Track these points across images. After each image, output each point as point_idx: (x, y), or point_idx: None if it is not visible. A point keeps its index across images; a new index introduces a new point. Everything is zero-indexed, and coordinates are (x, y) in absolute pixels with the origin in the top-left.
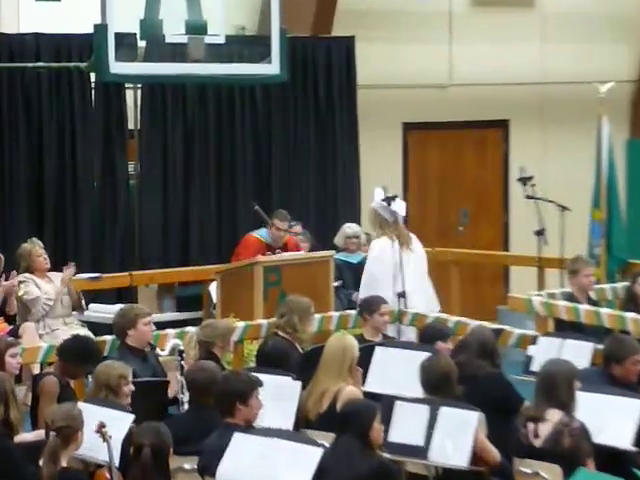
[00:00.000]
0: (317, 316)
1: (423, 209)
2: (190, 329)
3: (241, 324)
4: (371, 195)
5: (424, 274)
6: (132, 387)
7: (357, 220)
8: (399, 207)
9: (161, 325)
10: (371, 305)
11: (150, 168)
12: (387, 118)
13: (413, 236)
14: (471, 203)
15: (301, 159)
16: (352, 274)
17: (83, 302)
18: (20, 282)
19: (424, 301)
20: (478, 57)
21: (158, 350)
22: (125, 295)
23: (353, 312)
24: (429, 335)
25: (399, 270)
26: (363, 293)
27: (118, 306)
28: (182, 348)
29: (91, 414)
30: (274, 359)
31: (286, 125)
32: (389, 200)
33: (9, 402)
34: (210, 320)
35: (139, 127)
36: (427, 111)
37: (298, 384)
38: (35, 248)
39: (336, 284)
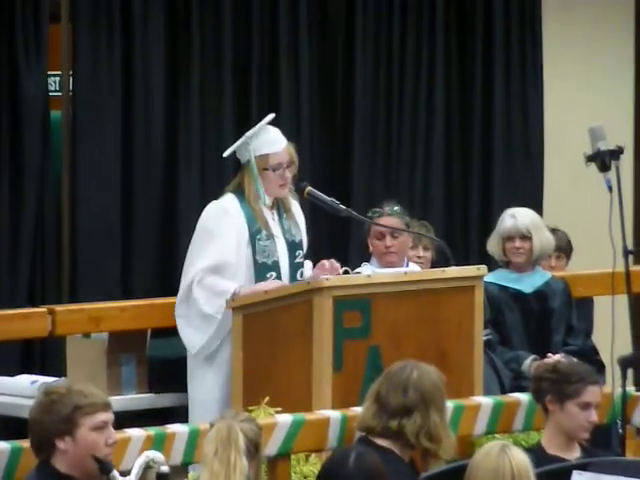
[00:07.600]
0: (449, 405)
1: None
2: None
3: (286, 419)
4: (570, 148)
5: None
6: None
7: (538, 202)
8: None
9: (117, 418)
10: (564, 384)
11: (95, 90)
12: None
13: None
14: None
15: (420, 77)
16: (523, 316)
17: None
18: None
19: None
20: None
21: (115, 474)
22: (40, 355)
23: (524, 398)
24: None
25: None
26: None
27: (26, 379)
28: (165, 469)
29: None
30: None
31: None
32: (605, 157)
33: None
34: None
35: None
36: None
37: None
38: None
39: (489, 336)
